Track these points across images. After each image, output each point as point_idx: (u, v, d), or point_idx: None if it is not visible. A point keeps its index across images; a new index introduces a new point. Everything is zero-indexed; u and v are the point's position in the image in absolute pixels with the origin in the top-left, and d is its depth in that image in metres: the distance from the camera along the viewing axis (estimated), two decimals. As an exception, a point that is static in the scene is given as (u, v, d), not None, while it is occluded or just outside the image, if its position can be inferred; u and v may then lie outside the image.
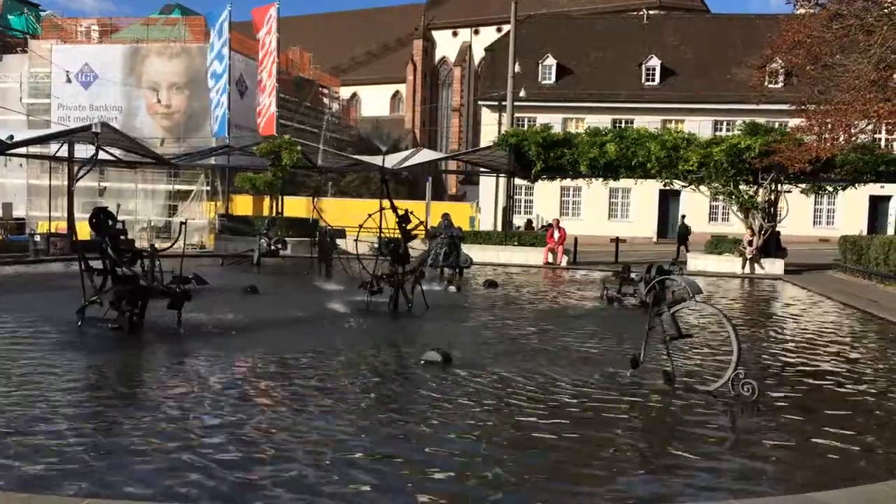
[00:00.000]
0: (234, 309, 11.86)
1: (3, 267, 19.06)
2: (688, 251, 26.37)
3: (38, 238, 22.77)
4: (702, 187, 24.81)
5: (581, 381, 7.42)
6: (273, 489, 4.47)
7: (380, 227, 12.38)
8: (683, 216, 29.77)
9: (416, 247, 17.14)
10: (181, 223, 12.37)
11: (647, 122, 35.83)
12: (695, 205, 40.03)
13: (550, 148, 25.54)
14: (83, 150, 24.17)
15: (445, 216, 18.60)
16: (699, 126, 38.49)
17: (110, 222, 9.57)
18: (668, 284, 7.42)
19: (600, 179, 26.44)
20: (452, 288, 15.91)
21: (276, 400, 6.52)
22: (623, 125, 38.44)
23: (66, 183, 25.02)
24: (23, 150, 24.92)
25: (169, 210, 37.95)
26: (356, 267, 13.54)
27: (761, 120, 28.38)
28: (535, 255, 24.77)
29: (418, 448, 5.30)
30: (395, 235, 12.54)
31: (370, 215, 12.71)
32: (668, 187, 26.66)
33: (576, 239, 27.26)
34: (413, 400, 6.61)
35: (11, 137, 21.06)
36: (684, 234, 27.79)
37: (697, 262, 24.10)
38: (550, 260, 24.74)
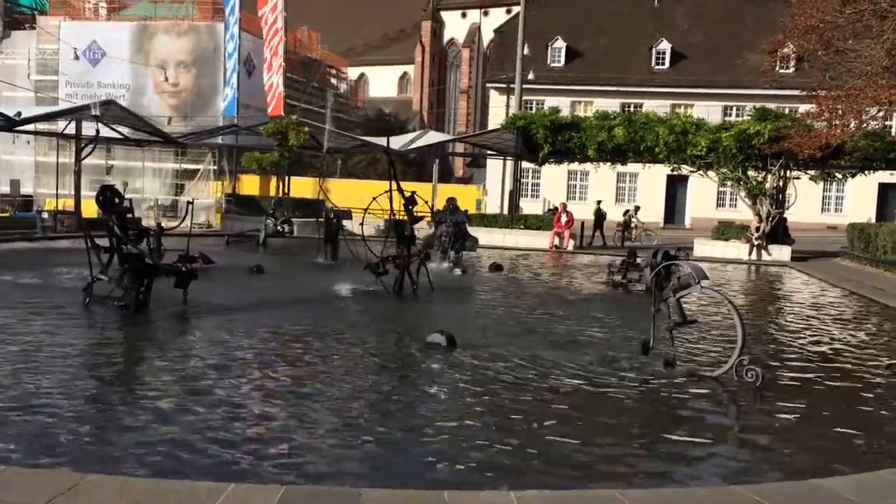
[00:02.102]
0: (239, 288, 11.90)
1: (11, 243, 19.14)
2: (603, 236, 26.81)
3: (45, 215, 22.85)
4: (710, 173, 24.69)
5: (583, 364, 7.43)
6: (271, 467, 4.49)
7: (392, 208, 12.33)
8: (599, 201, 30.01)
9: (422, 227, 17.12)
10: (188, 202, 12.40)
11: (656, 107, 35.62)
12: (702, 190, 39.88)
13: (558, 131, 25.42)
14: (90, 128, 24.19)
15: (451, 200, 18.53)
16: (708, 111, 38.22)
17: (116, 200, 9.59)
18: (674, 270, 7.40)
19: (608, 163, 26.32)
20: (458, 270, 15.92)
21: (279, 379, 6.54)
22: (632, 109, 38.22)
23: (73, 160, 25.06)
24: (30, 126, 24.95)
25: (176, 189, 37.97)
26: (362, 248, 13.55)
27: (771, 105, 28.16)
28: (541, 239, 24.73)
29: (415, 428, 5.31)
30: (402, 217, 12.52)
31: (374, 198, 12.69)
32: (675, 172, 26.49)
33: (582, 223, 27.20)
34: (414, 381, 6.63)
35: (19, 114, 21.08)
36: (599, 218, 28.02)
37: (704, 247, 24.04)
38: (557, 244, 24.70)
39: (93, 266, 9.77)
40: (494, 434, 5.28)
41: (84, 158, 12.04)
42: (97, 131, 14.03)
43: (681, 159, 24.65)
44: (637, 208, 30.62)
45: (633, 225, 29.02)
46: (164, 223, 13.68)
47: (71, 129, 24.62)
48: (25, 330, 8.16)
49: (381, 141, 27.88)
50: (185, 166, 38.00)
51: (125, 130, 26.54)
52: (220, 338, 8.12)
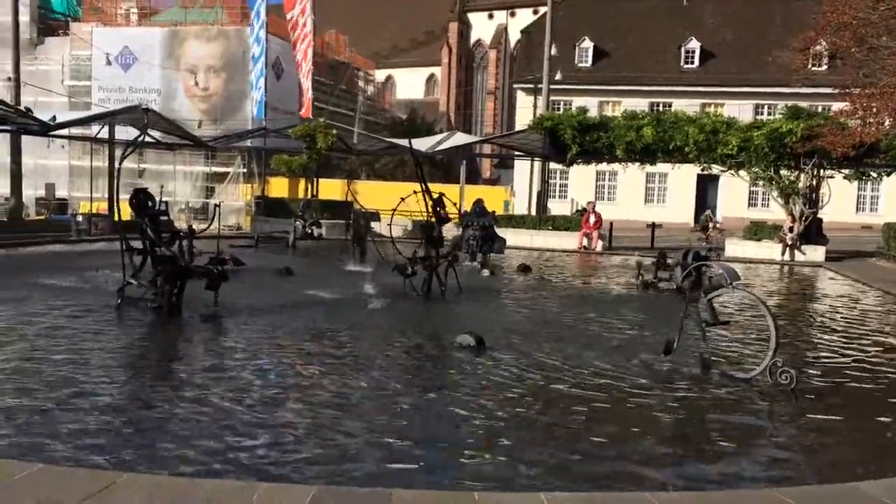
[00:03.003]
0: (269, 289, 11.99)
1: (47, 245, 19.49)
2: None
3: (80, 218, 23.24)
4: (741, 172, 24.41)
5: (615, 366, 7.38)
6: (305, 469, 4.52)
7: (427, 209, 12.33)
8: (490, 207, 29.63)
9: (450, 229, 17.11)
10: (215, 205, 12.52)
11: (685, 106, 35.29)
12: (733, 190, 39.40)
13: (586, 131, 25.29)
14: (124, 132, 24.55)
15: (478, 202, 18.51)
16: (739, 110, 37.76)
17: (150, 203, 9.72)
18: (706, 270, 7.32)
19: (637, 164, 26.12)
20: (485, 272, 15.91)
21: (312, 380, 6.59)
22: (661, 109, 37.90)
23: (106, 164, 25.45)
24: (65, 131, 25.40)
25: (206, 192, 38.41)
26: (390, 250, 13.59)
27: (804, 104, 27.76)
28: (569, 240, 24.62)
29: (447, 426, 5.31)
30: (430, 219, 12.53)
31: (402, 199, 12.72)
32: (706, 172, 26.23)
33: (611, 224, 27.02)
34: (448, 379, 6.63)
35: (54, 119, 21.46)
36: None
37: (736, 248, 23.76)
38: (585, 245, 24.57)
39: (126, 269, 9.90)
40: (525, 433, 5.27)
41: (125, 159, 12.06)
42: (143, 132, 14.20)
43: (711, 159, 24.39)
44: (713, 209, 29.95)
45: (711, 227, 28.48)
46: (195, 226, 13.83)
47: (104, 134, 25.01)
48: (60, 331, 8.30)
49: (408, 143, 27.97)
50: (215, 169, 38.43)
51: (157, 134, 26.91)
52: (253, 338, 8.19)
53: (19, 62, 25.48)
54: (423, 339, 8.75)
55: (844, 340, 9.55)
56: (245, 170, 37.87)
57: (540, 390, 6.47)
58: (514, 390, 6.45)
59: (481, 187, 43.63)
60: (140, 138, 14.08)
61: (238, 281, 11.89)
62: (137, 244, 9.75)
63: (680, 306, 7.63)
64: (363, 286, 12.36)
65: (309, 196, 29.11)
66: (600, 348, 8.33)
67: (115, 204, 21.97)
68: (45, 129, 21.62)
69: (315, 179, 30.11)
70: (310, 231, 21.47)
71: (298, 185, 34.04)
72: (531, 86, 42.99)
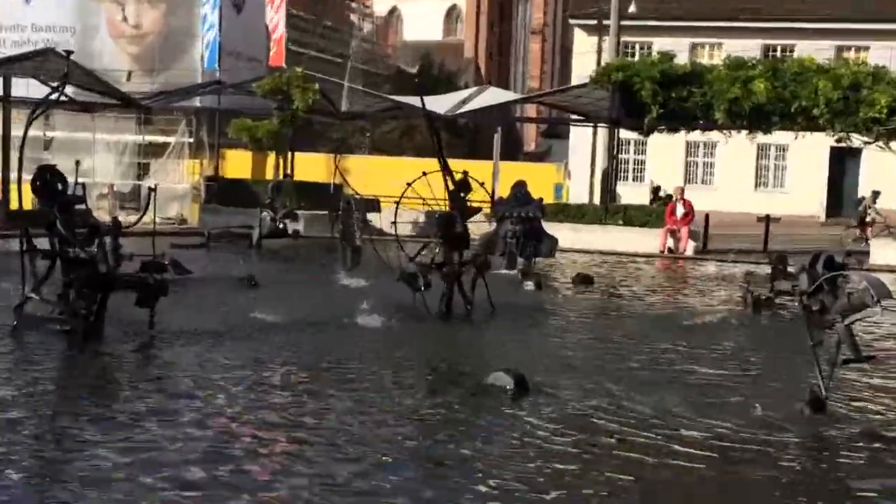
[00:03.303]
0: (226, 308, 12.05)
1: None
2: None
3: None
4: (893, 144, 24.20)
5: (709, 421, 7.33)
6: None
7: (447, 196, 12.32)
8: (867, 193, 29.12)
9: (479, 222, 17.11)
10: (150, 189, 12.60)
11: (813, 50, 34.98)
12: (883, 168, 39.02)
13: (672, 86, 25.16)
14: (23, 86, 24.76)
15: (519, 186, 18.48)
16: (891, 55, 37.41)
17: (60, 186, 9.77)
18: (842, 284, 7.27)
19: (744, 132, 25.93)
20: (529, 284, 15.90)
21: (290, 435, 6.61)
22: (779, 54, 37.63)
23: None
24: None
25: (138, 170, 38.65)
26: (394, 253, 13.61)
27: None
28: (647, 240, 24.51)
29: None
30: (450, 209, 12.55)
31: (409, 184, 12.71)
32: (842, 143, 26.02)
33: (707, 217, 26.87)
34: (473, 443, 6.63)
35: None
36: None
37: (885, 252, 23.54)
38: (670, 246, 24.45)
39: (26, 278, 9.96)
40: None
41: (30, 125, 11.94)
42: (62, 86, 14.11)
43: (851, 125, 24.18)
44: (876, 194, 29.57)
45: (871, 218, 28.15)
46: (123, 217, 13.90)
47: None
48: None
49: (419, 102, 27.98)
50: (150, 139, 38.60)
51: (69, 90, 27.10)
52: (202, 377, 8.22)
53: None
54: (438, 379, 8.75)
55: None
56: (192, 139, 38.04)
57: (609, 458, 6.44)
58: (569, 459, 6.42)
59: (523, 165, 43.52)
60: (56, 95, 14.14)
61: (182, 295, 11.91)
62: (43, 243, 9.82)
63: (806, 336, 7.57)
64: (356, 303, 12.37)
65: (281, 177, 29.18)
66: (691, 396, 8.27)
67: (17, 186, 22.13)
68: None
69: (290, 153, 30.21)
70: (282, 226, 21.52)
71: (266, 161, 34.14)
72: (594, 22, 42.81)
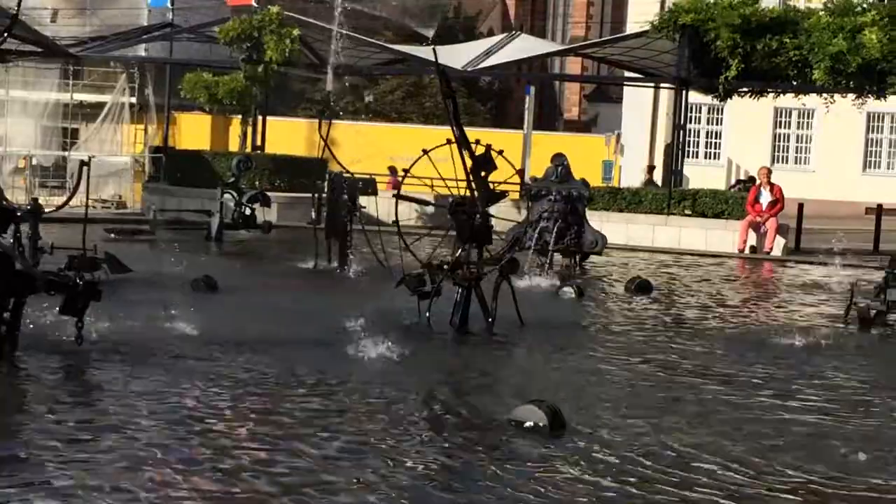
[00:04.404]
0: (174, 316, 12.04)
1: None
2: None
3: None
4: None
5: (803, 470, 7.32)
6: None
7: (465, 175, 12.31)
8: None
9: (504, 209, 17.11)
10: (82, 163, 12.59)
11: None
12: None
13: (756, 36, 25.12)
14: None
15: (558, 160, 18.51)
16: None
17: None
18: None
19: (850, 96, 25.86)
20: (569, 291, 15.89)
21: (258, 479, 6.57)
22: (896, -5, 37.51)
23: None
24: None
25: (63, 139, 38.78)
26: (395, 248, 13.62)
27: None
28: (723, 236, 24.50)
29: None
30: (466, 192, 12.55)
31: (406, 171, 12.70)
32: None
33: (800, 207, 26.83)
34: (495, 495, 6.60)
35: None
36: None
37: None
38: (753, 244, 24.42)
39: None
40: None
41: None
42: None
43: None
44: None
45: None
46: (45, 199, 13.94)
47: None
48: None
49: (430, 53, 27.98)
50: (80, 98, 38.80)
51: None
52: (141, 408, 8.20)
53: None
54: (451, 412, 8.73)
55: None
56: (134, 99, 38.18)
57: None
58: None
59: (562, 136, 43.66)
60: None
61: (119, 300, 11.91)
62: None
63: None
64: (344, 312, 12.36)
65: (248, 149, 29.25)
66: (784, 438, 8.25)
67: None
68: None
69: (260, 119, 30.25)
70: (248, 212, 21.55)
71: (229, 127, 34.23)
72: (657, -48, 42.86)
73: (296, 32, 28.62)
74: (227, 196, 21.44)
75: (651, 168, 34.65)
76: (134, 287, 13.87)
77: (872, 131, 42.47)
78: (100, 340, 10.16)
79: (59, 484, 6.36)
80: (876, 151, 43.06)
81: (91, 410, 8.19)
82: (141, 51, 35.11)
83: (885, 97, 25.87)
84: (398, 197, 13.52)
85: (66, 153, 37.38)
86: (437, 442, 7.81)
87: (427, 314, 11.99)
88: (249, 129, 30.15)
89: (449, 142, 12.26)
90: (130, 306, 12.24)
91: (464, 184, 12.47)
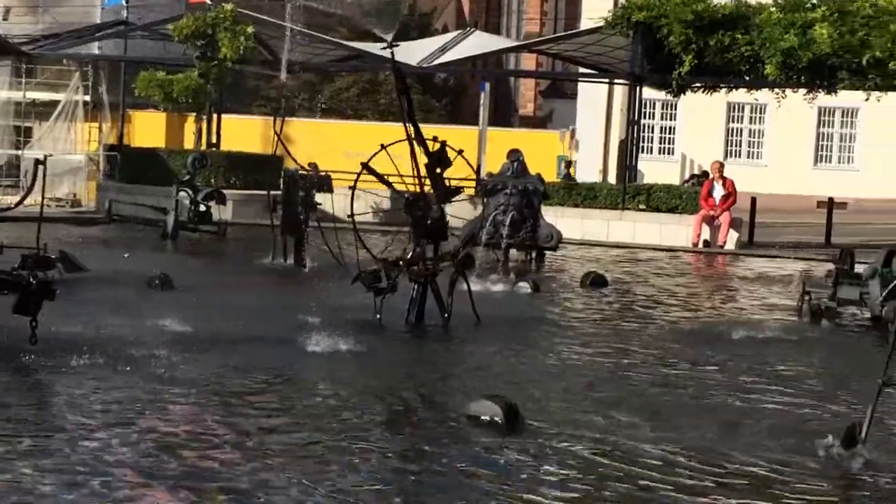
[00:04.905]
0: (130, 315, 11.98)
1: None
2: None
3: None
4: None
5: (761, 461, 7.37)
6: None
7: (417, 171, 12.33)
8: None
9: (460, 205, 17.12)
10: (37, 162, 12.50)
11: (891, -14, 35.21)
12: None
13: (709, 32, 25.24)
14: None
15: (514, 155, 18.55)
16: None
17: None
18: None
19: (801, 91, 26.03)
20: (525, 286, 15.92)
21: (213, 482, 6.54)
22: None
23: None
24: None
25: (16, 137, 38.45)
26: (350, 245, 13.60)
27: None
28: (677, 230, 24.60)
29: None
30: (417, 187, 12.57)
31: (365, 165, 12.68)
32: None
33: (753, 201, 26.99)
34: (448, 492, 6.63)
35: None
36: None
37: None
38: (706, 238, 24.53)
39: None
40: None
41: None
42: None
43: (939, 82, 24.35)
44: None
45: None
46: (-3, 199, 13.82)
47: None
48: None
49: (386, 50, 27.94)
50: (33, 96, 38.44)
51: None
52: (102, 409, 8.14)
53: None
54: (407, 408, 8.74)
55: None
56: (88, 97, 37.89)
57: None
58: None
59: (518, 132, 43.68)
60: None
61: (74, 300, 11.83)
62: None
63: (879, 354, 7.60)
64: (299, 310, 12.35)
65: (204, 147, 29.10)
66: (734, 428, 8.31)
67: None
68: None
69: (215, 116, 30.10)
70: (203, 209, 21.46)
71: (185, 125, 34.06)
72: (610, -52, 42.98)
73: (250, 29, 28.52)
74: (182, 194, 21.35)
75: (568, 163, 34.59)
76: (89, 286, 13.79)
77: (823, 126, 42.75)
78: (52, 339, 10.09)
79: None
80: (827, 146, 43.34)
81: (35, 410, 8.14)
82: (95, 49, 34.85)
83: (835, 92, 26.09)
84: (364, 165, 13.34)
85: (20, 152, 37.05)
86: (392, 438, 7.82)
87: (377, 314, 11.98)
88: (204, 127, 30.02)
89: (409, 137, 12.27)
90: (86, 308, 12.18)
91: (419, 180, 12.51)
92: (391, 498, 6.44)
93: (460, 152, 12.90)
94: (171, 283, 14.43)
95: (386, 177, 13.10)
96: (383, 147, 12.58)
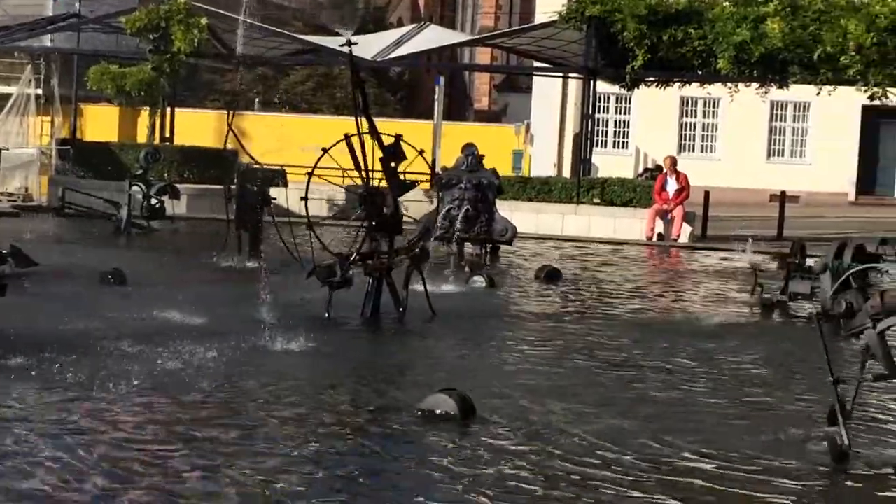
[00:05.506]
0: (82, 312, 11.90)
1: None
2: None
3: None
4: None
5: (715, 453, 7.42)
6: None
7: (368, 165, 12.31)
8: None
9: (415, 200, 17.11)
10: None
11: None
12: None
13: (662, 26, 25.32)
14: None
15: (469, 149, 18.55)
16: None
17: None
18: (876, 280, 7.34)
19: (754, 85, 26.17)
20: (480, 280, 15.92)
21: (169, 481, 6.51)
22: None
23: None
24: None
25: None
26: (305, 240, 13.56)
27: None
28: (631, 223, 24.67)
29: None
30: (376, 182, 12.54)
31: (325, 150, 12.64)
32: (877, 101, 26.35)
33: (706, 195, 27.12)
34: (400, 486, 6.63)
35: None
36: None
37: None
38: (660, 232, 24.62)
39: None
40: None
41: None
42: None
43: (888, 77, 24.51)
44: None
45: None
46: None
47: None
48: None
49: (341, 44, 27.84)
50: (-16, 89, 38.08)
51: None
52: (53, 407, 8.08)
53: None
54: (361, 402, 8.72)
55: None
56: (40, 90, 37.55)
57: (582, 495, 6.47)
58: (535, 496, 6.43)
59: (472, 126, 43.70)
60: None
61: (26, 295, 11.74)
62: None
63: (832, 344, 7.64)
64: (256, 306, 12.30)
65: (157, 140, 28.93)
66: (686, 420, 8.36)
67: None
68: None
69: (169, 110, 29.91)
70: (157, 204, 21.34)
71: (137, 119, 33.82)
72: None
73: (203, 22, 28.33)
74: (135, 188, 21.23)
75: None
76: (41, 281, 13.67)
77: (776, 119, 43.01)
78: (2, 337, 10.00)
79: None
80: (779, 139, 43.61)
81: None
82: (47, 41, 34.57)
83: (787, 86, 26.24)
84: (325, 150, 13.25)
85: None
86: (347, 432, 7.80)
87: (327, 311, 11.96)
88: (158, 121, 29.83)
89: (346, 136, 12.24)
90: (38, 303, 12.09)
91: (375, 174, 12.50)
92: (341, 494, 6.44)
93: (421, 152, 12.93)
94: (125, 278, 14.35)
95: (342, 171, 13.08)
96: (346, 137, 12.57)
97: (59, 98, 36.10)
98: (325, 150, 12.72)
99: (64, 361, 9.36)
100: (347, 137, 12.44)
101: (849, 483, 7.03)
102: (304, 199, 13.13)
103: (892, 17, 24.29)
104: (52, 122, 36.02)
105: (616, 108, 42.61)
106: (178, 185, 23.03)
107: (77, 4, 33.82)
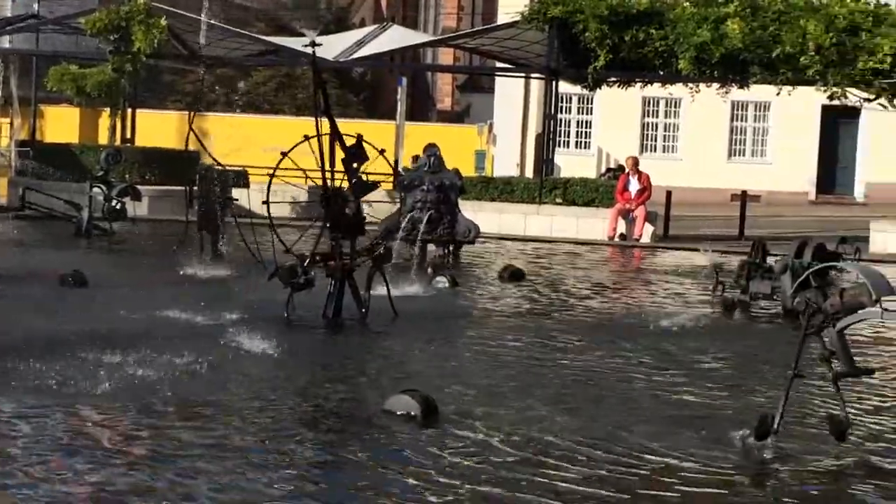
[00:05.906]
0: (42, 314, 11.82)
1: None
2: None
3: None
4: (900, 102, 24.74)
5: (678, 452, 7.43)
6: None
7: (330, 165, 12.29)
8: None
9: (377, 200, 17.09)
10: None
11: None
12: (885, 132, 39.90)
13: (624, 27, 25.40)
14: None
15: (431, 150, 18.55)
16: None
17: None
18: (835, 278, 7.39)
19: (714, 86, 26.29)
20: (442, 281, 15.92)
21: (131, 487, 6.46)
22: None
23: None
24: None
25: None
26: (267, 240, 13.51)
27: None
28: (594, 223, 24.74)
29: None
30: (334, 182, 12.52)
31: (285, 154, 12.61)
32: (837, 101, 26.52)
33: (668, 195, 27.21)
34: (361, 487, 6.62)
35: None
36: None
37: (888, 238, 24.08)
38: (622, 231, 24.70)
39: None
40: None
41: None
42: None
43: (847, 77, 24.65)
44: None
45: None
46: None
47: None
48: None
49: (303, 44, 27.79)
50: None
51: None
52: (13, 415, 8.01)
53: None
54: (323, 403, 8.69)
55: None
56: (-1, 93, 37.32)
57: (546, 494, 6.46)
58: (498, 497, 6.42)
59: (435, 126, 43.73)
60: None
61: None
62: None
63: (790, 345, 7.68)
64: (217, 307, 12.26)
65: (118, 142, 28.79)
66: (649, 420, 8.37)
67: None
68: None
69: (129, 111, 29.76)
70: (118, 205, 21.23)
71: (98, 120, 33.66)
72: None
73: (164, 22, 28.20)
74: (96, 190, 21.12)
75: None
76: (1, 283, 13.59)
77: (736, 119, 43.25)
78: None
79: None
80: (740, 139, 43.85)
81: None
82: (5, 42, 34.32)
83: (747, 86, 26.38)
84: (284, 154, 13.21)
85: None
86: (308, 434, 7.77)
87: (286, 312, 11.92)
88: (119, 122, 29.69)
89: (306, 137, 12.23)
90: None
91: (336, 175, 12.48)
92: (303, 497, 6.41)
93: (382, 152, 12.93)
94: (85, 279, 14.26)
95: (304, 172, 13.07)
96: (306, 138, 12.55)
97: (17, 99, 35.86)
98: (284, 154, 12.70)
99: (14, 367, 9.30)
100: (308, 139, 12.43)
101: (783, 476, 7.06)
102: (266, 202, 13.10)
103: (850, 18, 24.47)
104: (11, 123, 35.78)
105: (578, 108, 42.69)
106: (139, 187, 22.94)
107: (36, 5, 33.68)
